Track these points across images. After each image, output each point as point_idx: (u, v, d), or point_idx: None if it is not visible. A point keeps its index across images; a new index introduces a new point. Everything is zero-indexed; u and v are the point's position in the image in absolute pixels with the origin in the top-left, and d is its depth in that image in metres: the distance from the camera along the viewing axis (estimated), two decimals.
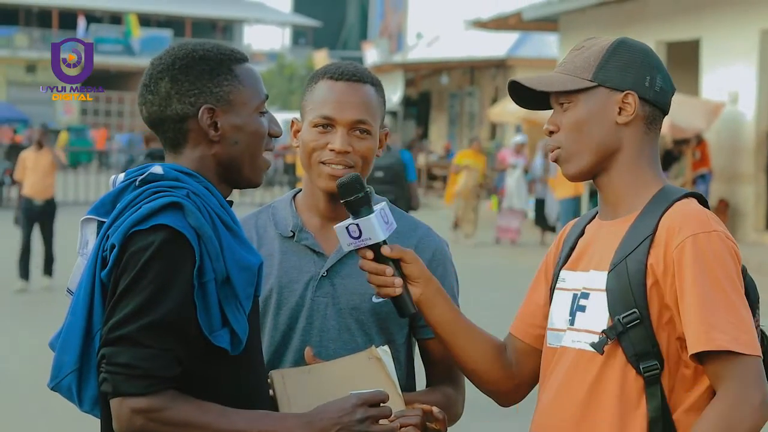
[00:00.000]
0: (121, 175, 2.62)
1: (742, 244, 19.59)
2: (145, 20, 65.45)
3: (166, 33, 65.62)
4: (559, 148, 2.76)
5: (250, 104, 2.60)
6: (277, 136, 2.68)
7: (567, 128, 2.74)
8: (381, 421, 2.53)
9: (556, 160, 2.78)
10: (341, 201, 2.76)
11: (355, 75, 3.01)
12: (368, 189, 2.76)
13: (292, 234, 3.03)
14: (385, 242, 2.76)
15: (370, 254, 2.76)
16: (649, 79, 2.71)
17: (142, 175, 2.56)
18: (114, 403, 2.39)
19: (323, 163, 2.97)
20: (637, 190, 2.72)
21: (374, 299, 2.97)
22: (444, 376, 3.08)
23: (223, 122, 2.56)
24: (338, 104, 2.97)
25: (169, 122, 2.57)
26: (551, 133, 2.77)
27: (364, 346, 2.95)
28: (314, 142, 2.97)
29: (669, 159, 23.36)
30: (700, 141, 20.79)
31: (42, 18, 64.99)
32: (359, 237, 2.74)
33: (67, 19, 62.86)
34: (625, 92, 2.70)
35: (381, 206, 2.79)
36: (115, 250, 2.44)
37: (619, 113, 2.71)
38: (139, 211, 2.45)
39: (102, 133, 47.96)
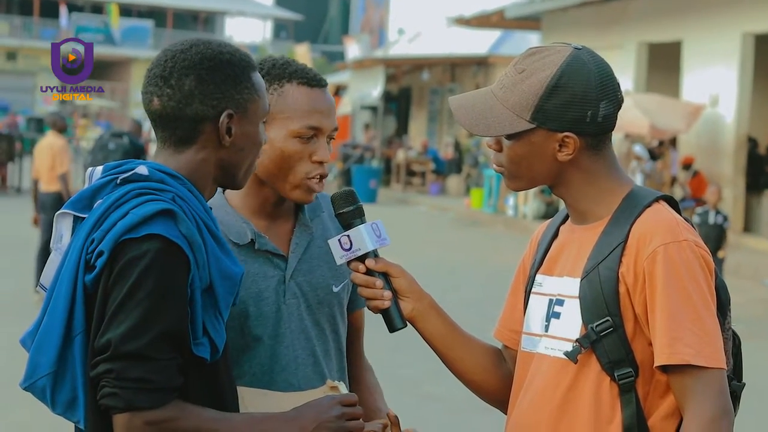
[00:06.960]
0: (99, 169, 2.55)
1: None
2: (127, 10, 65.27)
3: (147, 23, 65.50)
4: (502, 166, 2.71)
5: (260, 114, 2.61)
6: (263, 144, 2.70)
7: (507, 157, 2.69)
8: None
9: (500, 173, 2.74)
10: (335, 214, 2.80)
11: (323, 80, 2.99)
12: (360, 203, 2.80)
13: (250, 240, 2.94)
14: (376, 254, 2.77)
15: (362, 267, 2.77)
16: (590, 114, 2.62)
17: (123, 173, 2.51)
18: (123, 417, 2.36)
19: (307, 177, 2.92)
20: (602, 199, 2.68)
21: (334, 288, 3.00)
22: (360, 351, 3.22)
23: (237, 129, 2.56)
24: (322, 114, 2.93)
25: (185, 120, 2.53)
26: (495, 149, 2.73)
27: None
28: (298, 153, 2.91)
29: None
30: (695, 173, 20.81)
31: (23, 6, 64.74)
32: (350, 248, 2.76)
33: (49, 7, 62.67)
34: (564, 133, 2.63)
35: (375, 221, 2.80)
36: (103, 257, 2.39)
37: (560, 150, 2.64)
38: (129, 217, 2.40)
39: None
